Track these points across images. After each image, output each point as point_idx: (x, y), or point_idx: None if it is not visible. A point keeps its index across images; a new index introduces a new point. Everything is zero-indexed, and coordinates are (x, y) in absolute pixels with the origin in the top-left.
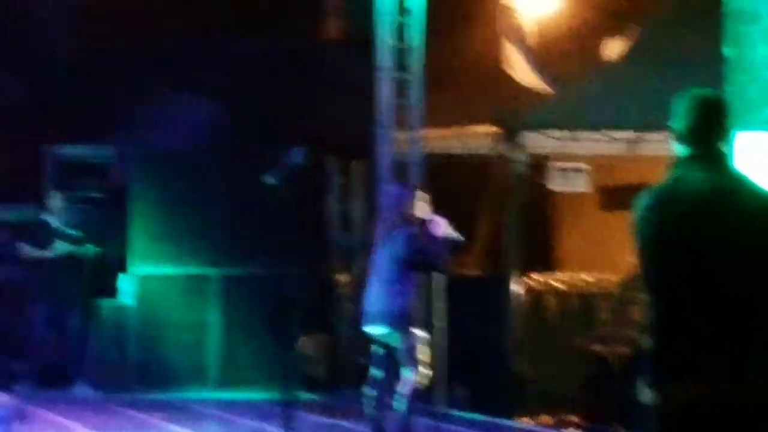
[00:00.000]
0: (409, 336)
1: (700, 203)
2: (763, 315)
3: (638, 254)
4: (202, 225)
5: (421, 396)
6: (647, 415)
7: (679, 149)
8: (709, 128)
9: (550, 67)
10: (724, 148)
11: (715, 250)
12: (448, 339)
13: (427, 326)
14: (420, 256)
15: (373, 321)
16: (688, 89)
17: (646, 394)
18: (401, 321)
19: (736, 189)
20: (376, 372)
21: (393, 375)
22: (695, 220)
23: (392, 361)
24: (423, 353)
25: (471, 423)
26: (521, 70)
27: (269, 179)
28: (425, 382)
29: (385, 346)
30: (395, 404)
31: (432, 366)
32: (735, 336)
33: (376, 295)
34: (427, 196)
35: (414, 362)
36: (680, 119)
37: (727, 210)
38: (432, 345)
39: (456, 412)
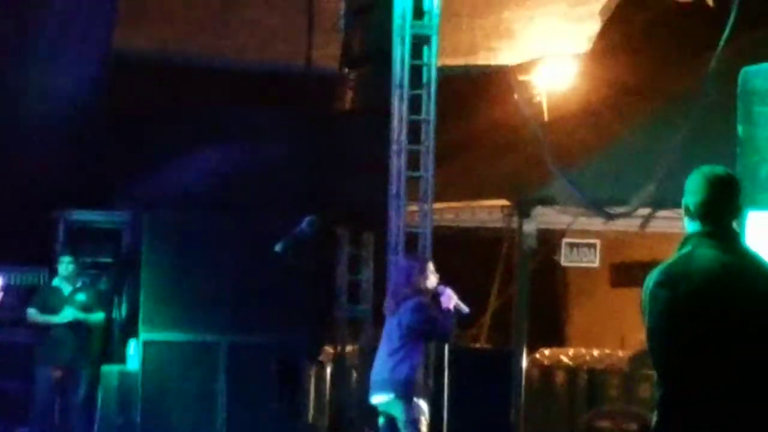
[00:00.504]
0: (412, 405)
1: (711, 280)
2: None
3: (647, 331)
4: (212, 292)
5: None
6: None
7: (690, 226)
8: (721, 205)
9: (562, 145)
10: (736, 226)
11: (725, 329)
12: (451, 412)
13: (432, 398)
14: (428, 325)
15: (377, 389)
16: (700, 166)
17: None
18: (404, 389)
19: (748, 267)
20: None
21: None
22: (706, 298)
23: (394, 431)
24: (425, 424)
25: None
26: (535, 145)
27: (279, 248)
28: None
29: (388, 416)
30: None
31: None
32: (744, 415)
33: (381, 363)
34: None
35: None
36: (692, 195)
37: (738, 288)
38: (437, 417)
39: None
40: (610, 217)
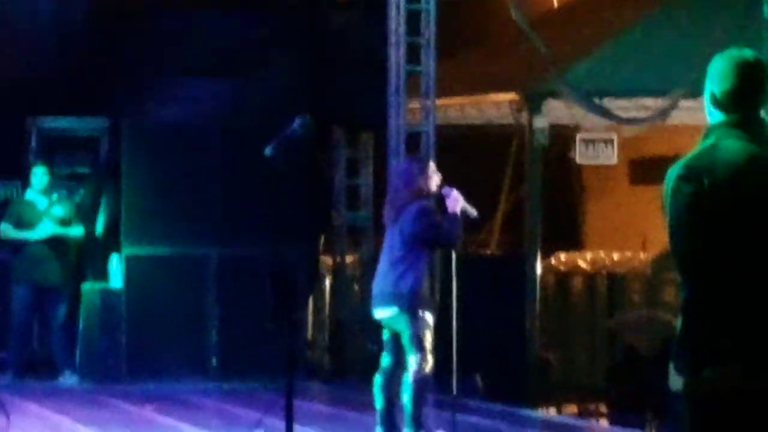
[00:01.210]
0: (418, 320)
1: (738, 173)
2: None
3: (669, 229)
4: (200, 203)
5: (430, 385)
6: (678, 403)
7: (714, 116)
8: (748, 93)
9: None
10: (764, 114)
11: (754, 224)
12: (462, 322)
13: (439, 309)
14: (432, 232)
15: (380, 303)
16: (725, 51)
17: (677, 381)
18: (409, 302)
19: None
20: (384, 359)
21: (400, 362)
22: (733, 192)
23: (399, 347)
24: (429, 340)
25: (489, 413)
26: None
27: (269, 152)
28: (429, 372)
29: (393, 330)
30: (402, 394)
31: (444, 352)
32: None
33: (383, 276)
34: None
35: (421, 349)
36: (717, 82)
37: (765, 181)
38: (445, 329)
39: (473, 402)
40: (629, 109)
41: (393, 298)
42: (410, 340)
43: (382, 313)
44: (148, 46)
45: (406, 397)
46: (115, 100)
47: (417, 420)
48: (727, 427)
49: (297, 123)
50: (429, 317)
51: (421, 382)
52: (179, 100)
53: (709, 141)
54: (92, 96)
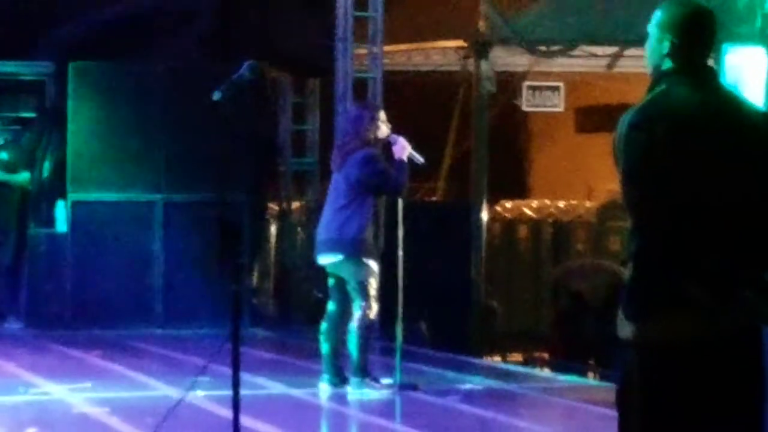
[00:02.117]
0: (362, 267)
1: (690, 120)
2: (753, 242)
3: (622, 178)
4: (145, 147)
5: (375, 331)
6: (626, 351)
7: (664, 63)
8: (696, 41)
9: None
10: (712, 63)
11: (707, 171)
12: (408, 270)
13: (383, 256)
14: (378, 178)
15: (324, 250)
16: (670, 1)
17: (626, 329)
18: (353, 249)
19: (727, 105)
20: (329, 305)
21: (345, 309)
22: (686, 139)
23: (344, 294)
24: (374, 286)
25: (435, 360)
26: None
27: (217, 96)
28: (373, 319)
29: (337, 277)
30: (348, 341)
31: (390, 300)
32: (721, 264)
33: (327, 222)
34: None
35: (366, 295)
36: (665, 31)
37: (718, 127)
38: (390, 276)
39: (418, 349)
40: (576, 57)
41: (337, 245)
42: (354, 287)
43: (326, 259)
44: None
45: (350, 344)
46: (61, 43)
47: (362, 366)
48: (677, 373)
49: (245, 68)
50: (373, 264)
51: (365, 328)
52: (124, 44)
53: (660, 88)
54: (36, 39)
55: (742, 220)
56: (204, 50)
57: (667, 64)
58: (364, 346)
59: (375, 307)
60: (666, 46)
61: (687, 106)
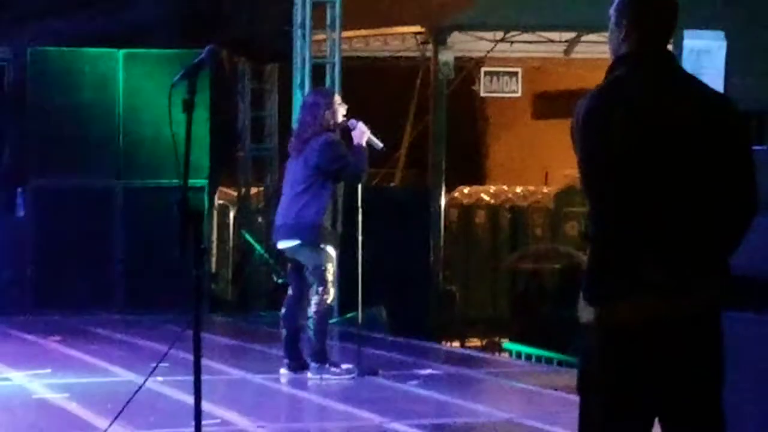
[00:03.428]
0: (319, 252)
1: (648, 105)
2: (710, 226)
3: (579, 162)
4: (104, 133)
5: (334, 317)
6: (587, 335)
7: (619, 48)
8: (653, 25)
9: None
10: (670, 47)
11: (665, 156)
12: (366, 255)
13: (342, 241)
14: (338, 164)
15: (282, 235)
16: None
17: (587, 312)
18: (311, 235)
19: (684, 89)
20: (288, 291)
21: (304, 294)
22: (643, 124)
23: (303, 279)
24: (332, 272)
25: (394, 346)
26: None
27: (175, 81)
28: (330, 303)
29: (295, 262)
30: (307, 326)
31: (349, 285)
32: (680, 247)
33: (285, 208)
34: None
35: (323, 281)
36: (624, 15)
37: (675, 112)
38: (349, 262)
39: (377, 334)
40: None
41: (295, 231)
42: (312, 273)
43: (284, 245)
44: None
45: (309, 330)
46: (19, 28)
47: (321, 351)
48: (637, 356)
49: (205, 53)
50: (331, 250)
51: (323, 313)
52: (82, 27)
53: (618, 73)
54: None
55: (701, 204)
56: (163, 35)
57: (624, 49)
58: (323, 332)
59: (332, 293)
60: (623, 30)
61: (643, 91)
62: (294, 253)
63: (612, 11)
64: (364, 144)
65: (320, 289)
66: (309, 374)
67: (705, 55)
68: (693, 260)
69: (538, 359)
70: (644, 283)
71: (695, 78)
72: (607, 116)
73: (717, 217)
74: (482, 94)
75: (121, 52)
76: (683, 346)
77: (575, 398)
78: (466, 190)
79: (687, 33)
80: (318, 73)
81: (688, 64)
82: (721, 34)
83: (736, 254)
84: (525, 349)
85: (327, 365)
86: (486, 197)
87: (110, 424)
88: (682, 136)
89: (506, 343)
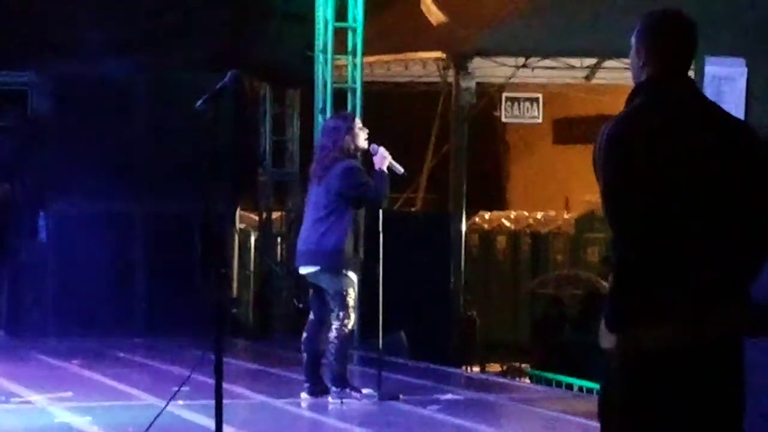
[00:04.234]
0: (341, 277)
1: (668, 133)
2: (733, 253)
3: (601, 190)
4: (127, 158)
5: (354, 341)
6: (608, 362)
7: (640, 75)
8: (676, 52)
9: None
10: (691, 73)
11: (688, 184)
12: (387, 280)
13: (363, 266)
14: (359, 190)
15: (304, 261)
16: (651, 10)
17: (608, 340)
18: (332, 261)
19: (707, 118)
20: (310, 315)
21: (325, 319)
22: (664, 152)
23: (324, 304)
24: (353, 297)
25: (415, 370)
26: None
27: (201, 106)
28: (351, 329)
29: (316, 288)
30: (328, 351)
31: (370, 310)
32: (701, 273)
33: (307, 234)
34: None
35: (344, 306)
36: (645, 42)
37: (697, 140)
38: (370, 287)
39: (398, 360)
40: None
41: (316, 257)
42: (333, 298)
43: (305, 270)
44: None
45: (330, 354)
46: (42, 54)
47: (341, 377)
48: (658, 383)
49: (228, 78)
50: (352, 275)
51: (343, 339)
52: (105, 55)
53: (639, 100)
54: (19, 49)
55: (722, 231)
56: (186, 61)
57: (645, 76)
58: (344, 356)
59: (353, 317)
60: (642, 57)
61: (665, 119)
62: (315, 278)
63: (632, 38)
64: (385, 169)
65: (341, 313)
66: (330, 398)
67: (726, 81)
68: (714, 287)
69: (559, 385)
70: (665, 309)
71: (716, 105)
72: (628, 144)
73: (738, 244)
74: (503, 120)
75: (143, 78)
76: (704, 373)
77: (596, 425)
78: (486, 215)
79: (708, 60)
80: (339, 97)
81: (709, 90)
82: (742, 61)
83: (757, 281)
84: (545, 375)
85: (348, 389)
86: (507, 222)
87: None
88: (703, 163)
89: (529, 370)
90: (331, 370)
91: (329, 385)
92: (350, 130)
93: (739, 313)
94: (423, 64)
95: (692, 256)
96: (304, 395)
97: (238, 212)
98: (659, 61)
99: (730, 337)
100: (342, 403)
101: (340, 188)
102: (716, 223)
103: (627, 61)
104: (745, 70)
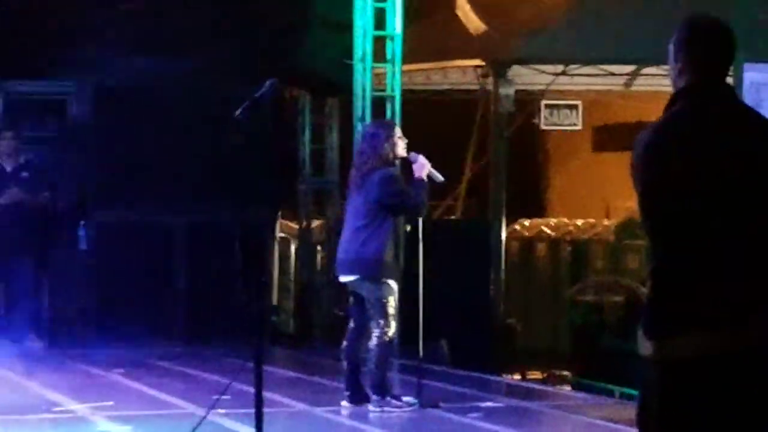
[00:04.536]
0: (381, 286)
1: (706, 140)
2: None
3: (639, 198)
4: (167, 167)
5: (394, 350)
6: (646, 369)
7: (678, 82)
8: (714, 58)
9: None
10: (729, 80)
11: (725, 191)
12: (427, 289)
13: (404, 275)
14: (398, 198)
15: (344, 270)
16: (689, 16)
17: (646, 347)
18: (372, 269)
19: (746, 125)
20: (350, 324)
21: (365, 327)
22: (704, 161)
23: (364, 312)
24: (393, 305)
25: (456, 378)
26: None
27: (240, 115)
28: (392, 337)
29: (357, 296)
30: (368, 359)
31: (410, 318)
32: (737, 282)
33: (347, 242)
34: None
35: (384, 315)
36: (683, 49)
37: (737, 147)
38: (411, 295)
39: (438, 367)
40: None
41: (356, 265)
42: (373, 306)
43: (345, 279)
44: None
45: (370, 362)
46: (82, 62)
47: (381, 385)
48: (696, 391)
49: (266, 86)
50: (393, 283)
51: (384, 347)
52: (143, 64)
53: (676, 107)
54: (58, 58)
55: (759, 240)
56: (224, 70)
57: (682, 83)
58: (384, 364)
59: (394, 326)
60: (680, 64)
61: (702, 126)
62: (356, 286)
63: (670, 45)
64: (424, 177)
65: (381, 321)
66: (370, 407)
67: (765, 87)
68: (750, 296)
69: (600, 392)
70: (702, 317)
71: (755, 111)
72: (666, 151)
73: None
74: (542, 127)
75: (182, 86)
76: (741, 382)
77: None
78: (526, 222)
79: (747, 66)
80: (378, 106)
81: (749, 96)
82: None
83: None
84: (586, 382)
85: (388, 398)
86: (546, 230)
87: None
88: (740, 171)
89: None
90: (371, 378)
91: (369, 393)
92: (390, 137)
93: None
94: (462, 72)
95: (728, 265)
96: (344, 403)
97: (278, 221)
98: (697, 68)
99: (765, 345)
100: (383, 411)
101: (379, 197)
102: (753, 232)
103: (666, 67)
104: None
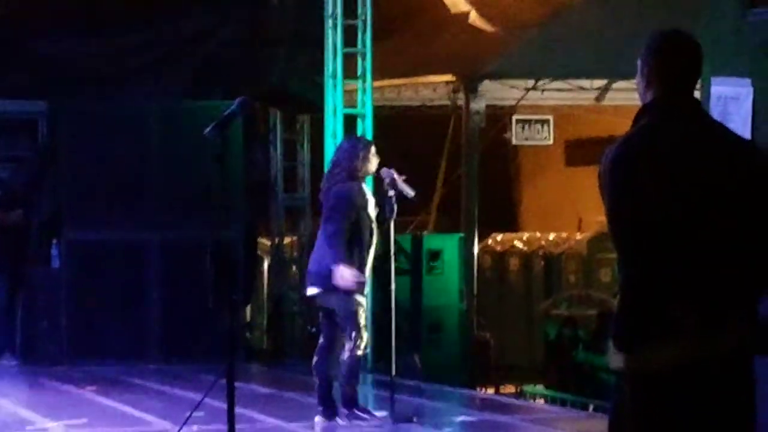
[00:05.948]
0: (348, 299)
1: (674, 154)
2: (739, 270)
3: (607, 211)
4: (139, 186)
5: (366, 363)
6: (618, 381)
7: (646, 96)
8: (681, 72)
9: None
10: (697, 93)
11: (691, 204)
12: (400, 302)
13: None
14: (332, 217)
15: (308, 282)
16: (656, 30)
17: (617, 359)
18: (330, 282)
19: (712, 138)
20: (321, 339)
21: (336, 341)
22: (670, 173)
23: (334, 326)
24: (363, 317)
25: (428, 393)
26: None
27: (210, 133)
28: (363, 350)
29: (326, 310)
30: (339, 373)
31: (383, 332)
32: (708, 291)
33: (313, 254)
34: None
35: (354, 327)
36: (651, 63)
37: (704, 161)
38: (384, 309)
39: (411, 382)
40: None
41: (318, 278)
42: (343, 319)
43: (311, 292)
44: (84, 25)
45: (340, 376)
46: (52, 83)
47: (352, 398)
48: (668, 402)
49: (236, 104)
50: (359, 297)
51: (355, 359)
52: (115, 84)
53: (644, 121)
54: (29, 78)
55: (729, 249)
56: (195, 88)
57: (650, 97)
58: (354, 378)
59: (365, 337)
60: (646, 78)
61: (670, 140)
62: (324, 300)
63: (639, 59)
64: (395, 193)
65: (353, 334)
66: (339, 420)
67: (732, 101)
68: (721, 304)
69: (573, 405)
70: (672, 328)
71: (722, 125)
72: (633, 165)
73: (745, 262)
74: (514, 142)
75: (155, 106)
76: (713, 391)
77: None
78: (499, 237)
79: (714, 80)
80: (350, 122)
81: (716, 111)
82: (748, 81)
83: (765, 298)
84: (560, 395)
85: (357, 411)
86: (519, 244)
87: None
88: (708, 182)
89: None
90: (342, 392)
91: (340, 406)
92: (366, 156)
93: (747, 330)
94: (433, 88)
95: (698, 275)
96: (317, 419)
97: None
98: (664, 81)
99: (739, 354)
100: (350, 424)
101: (327, 210)
102: (722, 242)
103: (636, 81)
104: (751, 90)
